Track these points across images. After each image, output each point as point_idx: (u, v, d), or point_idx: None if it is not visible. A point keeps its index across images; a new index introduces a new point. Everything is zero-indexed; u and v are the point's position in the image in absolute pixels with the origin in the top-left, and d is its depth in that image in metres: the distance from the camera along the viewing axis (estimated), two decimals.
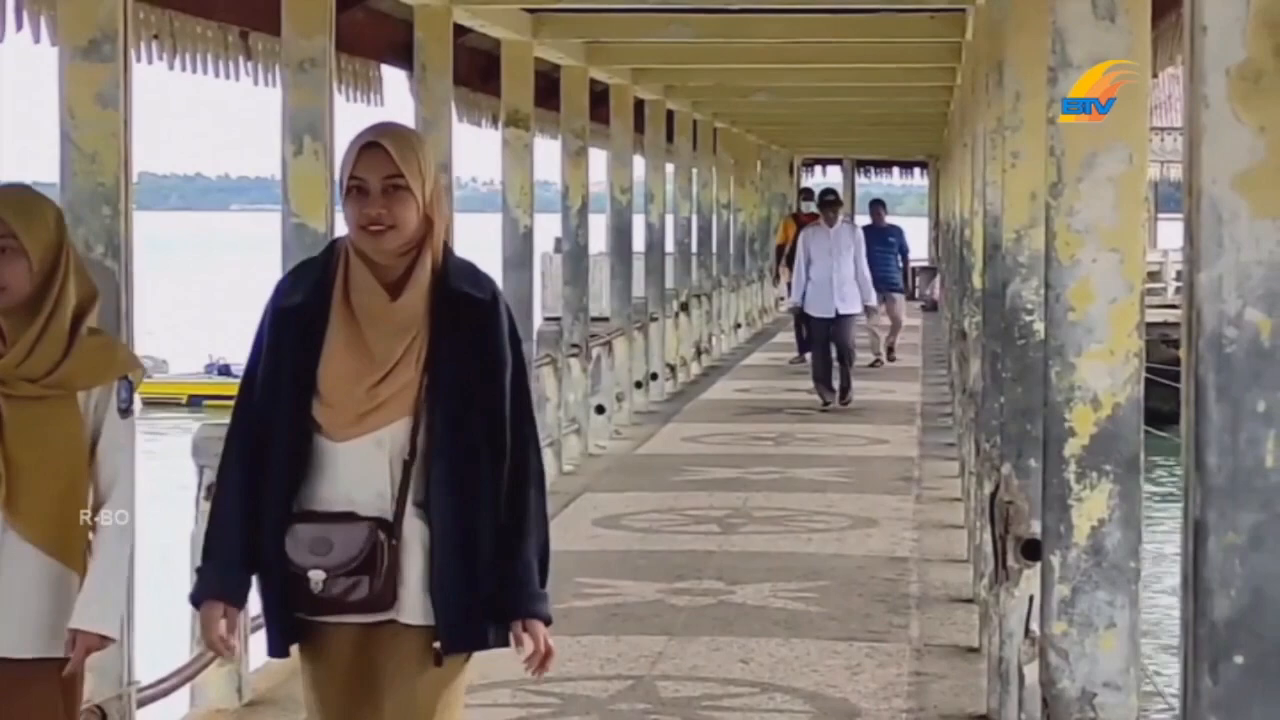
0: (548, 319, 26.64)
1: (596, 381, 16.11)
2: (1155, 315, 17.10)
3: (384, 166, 4.22)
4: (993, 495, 6.46)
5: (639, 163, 20.19)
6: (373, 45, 10.99)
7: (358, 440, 4.20)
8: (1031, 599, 5.74)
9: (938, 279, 31.93)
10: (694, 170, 24.74)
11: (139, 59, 7.72)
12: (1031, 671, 5.58)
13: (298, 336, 4.25)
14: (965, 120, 14.28)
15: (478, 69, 13.45)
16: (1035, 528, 5.62)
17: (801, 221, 23.85)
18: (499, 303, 4.31)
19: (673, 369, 20.72)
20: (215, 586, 4.27)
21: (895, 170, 46.06)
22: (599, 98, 17.11)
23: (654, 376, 19.16)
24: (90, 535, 4.49)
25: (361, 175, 4.23)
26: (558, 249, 25.91)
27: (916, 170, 45.25)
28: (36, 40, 6.87)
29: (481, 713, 7.06)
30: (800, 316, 19.90)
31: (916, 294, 34.26)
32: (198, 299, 63.14)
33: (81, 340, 4.49)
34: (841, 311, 18.24)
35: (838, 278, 18.31)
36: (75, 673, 4.51)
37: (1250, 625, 2.47)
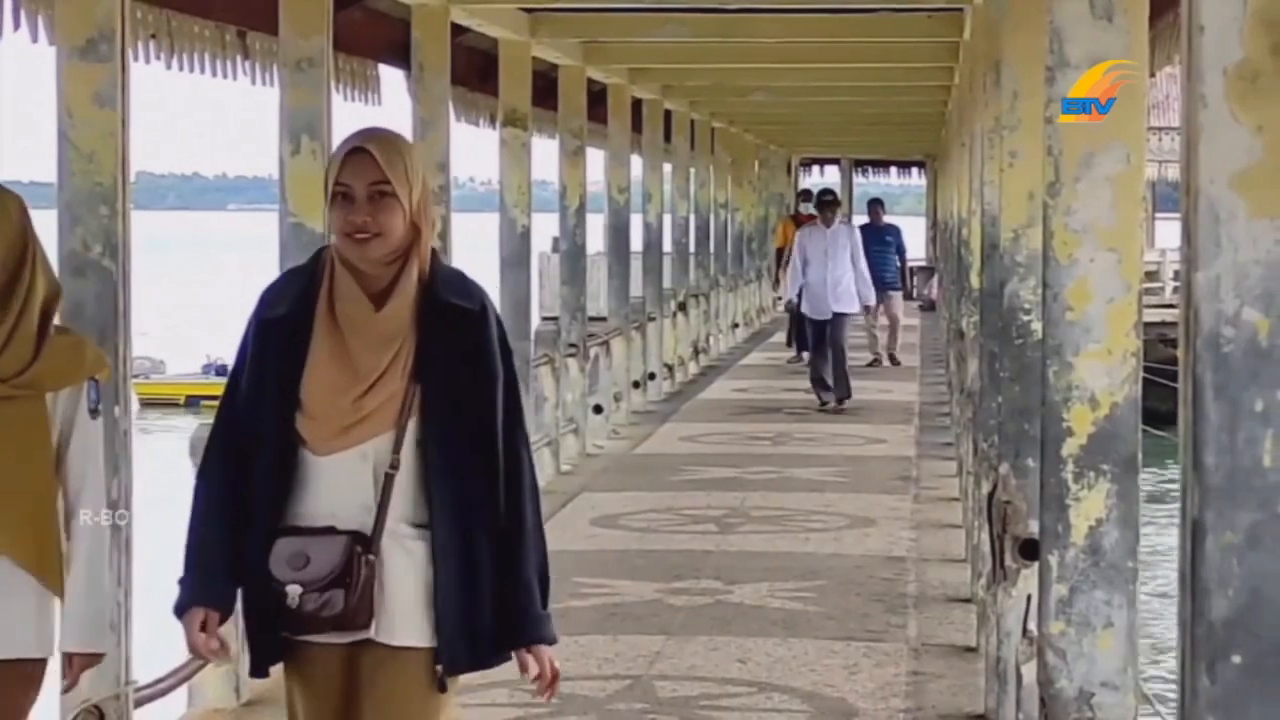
0: (545, 319, 26.69)
1: (594, 381, 16.10)
2: (1153, 315, 17.03)
3: (370, 173, 4.08)
4: (990, 495, 6.46)
5: (636, 162, 20.16)
6: (370, 45, 10.99)
7: (342, 454, 4.08)
8: (1029, 598, 5.74)
9: (935, 278, 31.91)
10: (691, 170, 24.71)
11: (137, 58, 7.71)
12: (1029, 671, 5.59)
13: (282, 348, 4.12)
14: (963, 120, 14.27)
15: (475, 68, 13.43)
16: (1033, 527, 5.63)
17: (800, 222, 23.86)
18: (489, 313, 4.17)
19: (670, 369, 20.70)
20: (198, 595, 4.14)
21: (893, 170, 46.03)
22: (596, 97, 17.09)
23: (651, 376, 19.14)
24: (64, 540, 4.32)
25: (347, 181, 4.09)
26: (555, 249, 25.92)
27: (914, 170, 45.22)
28: (34, 39, 6.87)
29: (480, 713, 7.06)
30: (796, 315, 19.88)
31: (914, 294, 34.27)
32: (195, 299, 63.08)
33: (51, 340, 4.30)
34: (837, 311, 18.24)
35: (832, 279, 18.30)
36: (39, 675, 4.34)
37: (1248, 625, 2.47)
